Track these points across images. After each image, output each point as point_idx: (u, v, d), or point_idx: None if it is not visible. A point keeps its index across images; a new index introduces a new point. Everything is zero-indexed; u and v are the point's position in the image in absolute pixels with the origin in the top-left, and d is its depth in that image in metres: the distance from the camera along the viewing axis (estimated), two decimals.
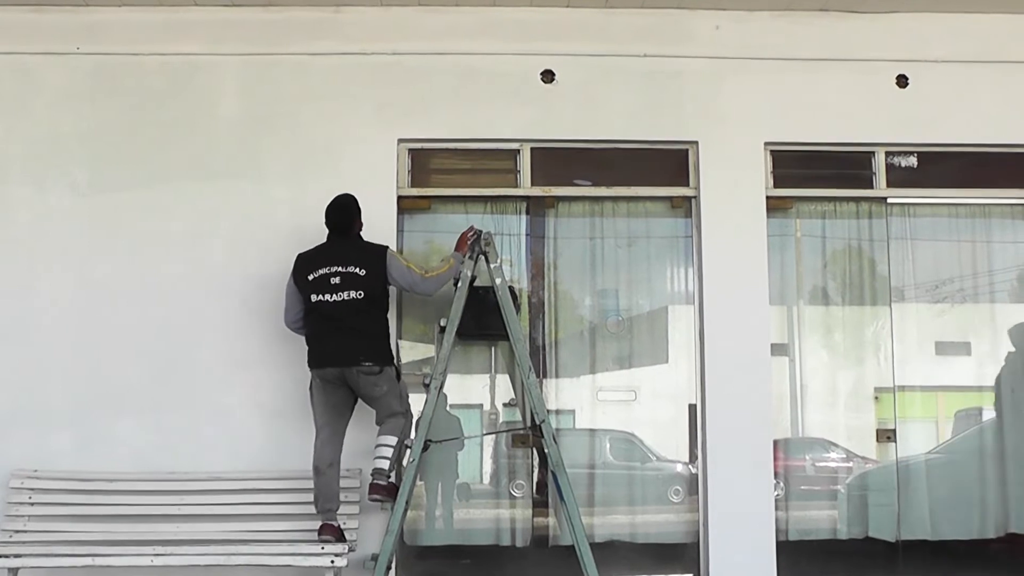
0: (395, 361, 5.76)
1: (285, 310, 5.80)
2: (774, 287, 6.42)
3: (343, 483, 5.77)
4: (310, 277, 5.65)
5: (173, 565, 5.42)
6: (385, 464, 5.55)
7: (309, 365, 5.64)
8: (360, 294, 5.59)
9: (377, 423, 5.68)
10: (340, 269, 5.62)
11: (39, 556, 5.46)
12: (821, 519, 6.50)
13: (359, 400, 5.72)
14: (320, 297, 5.61)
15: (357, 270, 5.61)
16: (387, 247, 5.75)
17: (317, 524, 5.59)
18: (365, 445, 5.77)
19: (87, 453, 5.97)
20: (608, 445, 6.56)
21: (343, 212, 5.79)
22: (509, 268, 6.34)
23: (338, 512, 5.65)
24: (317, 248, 5.76)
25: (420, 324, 6.41)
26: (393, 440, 5.59)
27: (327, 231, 5.77)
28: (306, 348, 5.69)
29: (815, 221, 6.63)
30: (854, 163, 6.60)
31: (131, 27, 6.34)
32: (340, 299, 5.58)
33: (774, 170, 6.49)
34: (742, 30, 6.46)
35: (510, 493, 6.37)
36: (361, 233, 5.83)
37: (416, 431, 5.75)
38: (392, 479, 5.62)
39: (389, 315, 5.95)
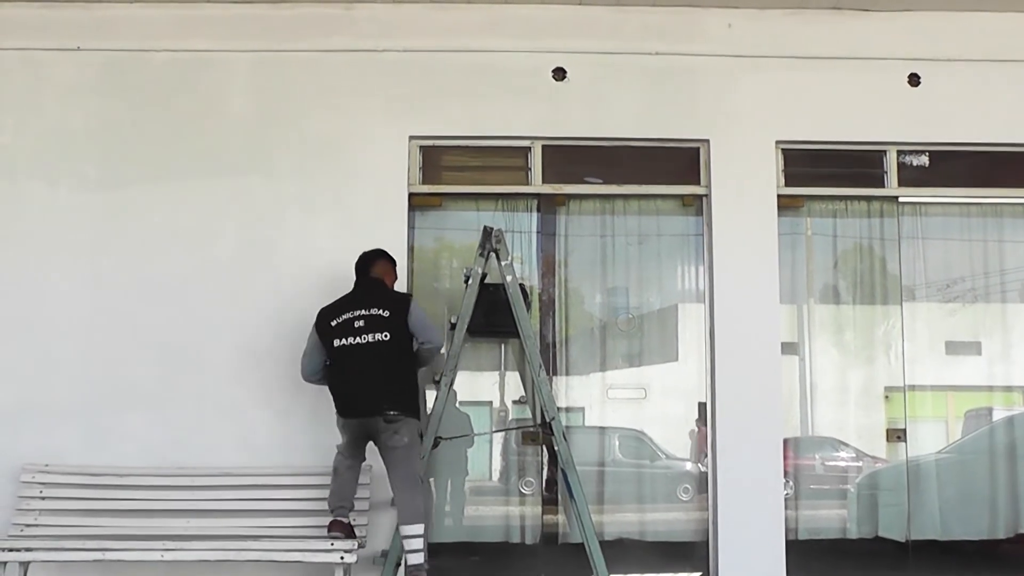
0: (420, 415, 5.49)
1: (303, 361, 5.62)
2: (784, 286, 6.42)
3: None
4: (333, 323, 5.46)
5: (183, 560, 5.42)
6: (420, 559, 5.23)
7: (337, 412, 5.46)
8: (386, 336, 5.36)
9: (392, 488, 5.38)
10: (363, 312, 5.43)
11: (50, 550, 5.46)
12: (831, 518, 6.50)
13: None
14: (343, 341, 5.40)
15: (381, 312, 5.41)
16: (412, 295, 5.68)
17: (327, 520, 5.60)
18: None
19: (97, 448, 5.98)
20: (618, 443, 6.55)
21: (366, 258, 5.68)
22: (520, 265, 6.33)
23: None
24: (341, 297, 5.61)
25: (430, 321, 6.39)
26: (420, 529, 5.26)
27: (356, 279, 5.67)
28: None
29: (826, 220, 6.63)
30: (866, 162, 6.60)
31: (141, 23, 6.34)
32: (365, 341, 5.36)
33: (785, 168, 6.48)
34: (754, 28, 6.45)
35: (520, 490, 6.36)
36: (390, 286, 5.70)
37: (426, 428, 5.75)
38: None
39: None
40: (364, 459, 5.60)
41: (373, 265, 5.68)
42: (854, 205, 6.62)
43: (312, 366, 5.61)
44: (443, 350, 5.73)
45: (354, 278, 5.68)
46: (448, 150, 6.52)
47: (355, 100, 6.33)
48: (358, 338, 5.38)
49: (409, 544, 5.27)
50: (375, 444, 5.44)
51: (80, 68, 6.33)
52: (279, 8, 6.35)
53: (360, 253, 5.72)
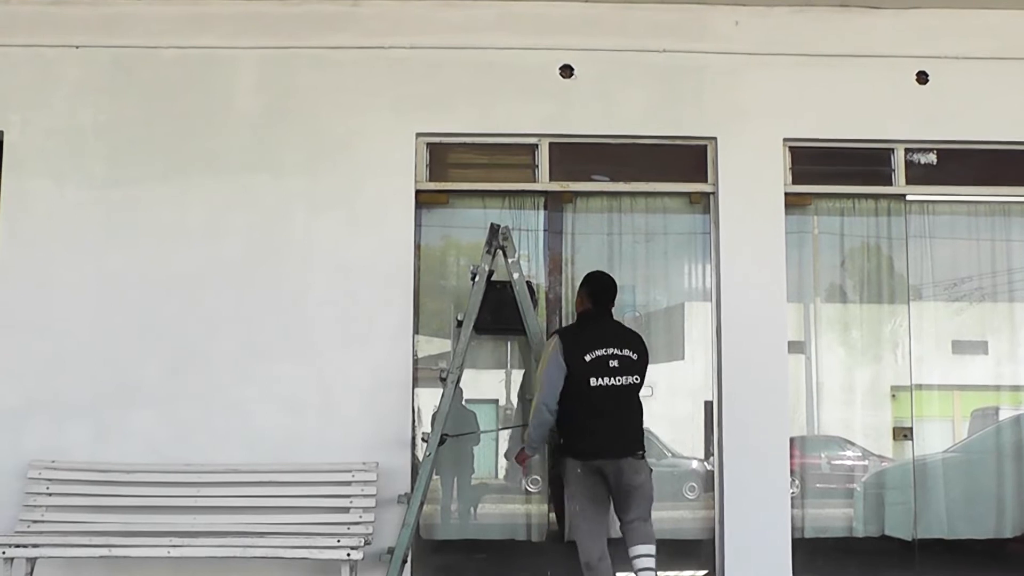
0: None
1: (549, 390, 5.28)
2: (791, 284, 6.41)
3: (361, 476, 5.82)
4: (587, 358, 5.25)
5: (189, 557, 5.44)
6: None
7: (581, 455, 5.30)
8: (636, 379, 5.34)
9: (635, 519, 5.31)
10: (616, 352, 5.30)
11: (56, 546, 5.48)
12: (837, 517, 6.48)
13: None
14: (599, 381, 5.23)
15: (631, 354, 5.33)
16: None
17: (333, 517, 5.61)
18: (385, 436, 5.85)
19: (104, 444, 5.99)
20: None
21: (613, 290, 5.56)
22: (527, 263, 6.33)
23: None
24: (582, 326, 5.47)
25: (437, 318, 6.40)
26: (654, 549, 5.30)
27: (590, 305, 5.52)
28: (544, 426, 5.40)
29: (833, 218, 6.61)
30: (873, 160, 6.58)
31: (149, 20, 6.35)
32: (620, 384, 5.27)
33: (793, 166, 6.47)
34: (762, 25, 6.44)
35: (526, 488, 6.36)
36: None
37: (433, 425, 5.76)
38: None
39: (408, 310, 6.06)
40: (609, 513, 5.39)
41: (614, 299, 5.56)
42: (861, 203, 6.61)
43: (557, 397, 5.31)
44: None
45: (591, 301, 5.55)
46: (455, 147, 6.51)
47: (362, 97, 6.33)
48: (613, 379, 5.25)
49: (651, 562, 5.26)
50: (610, 484, 5.30)
51: (88, 65, 6.33)
52: (286, 5, 6.35)
53: (602, 278, 5.60)
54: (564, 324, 6.35)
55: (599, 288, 5.54)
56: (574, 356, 5.25)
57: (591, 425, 5.26)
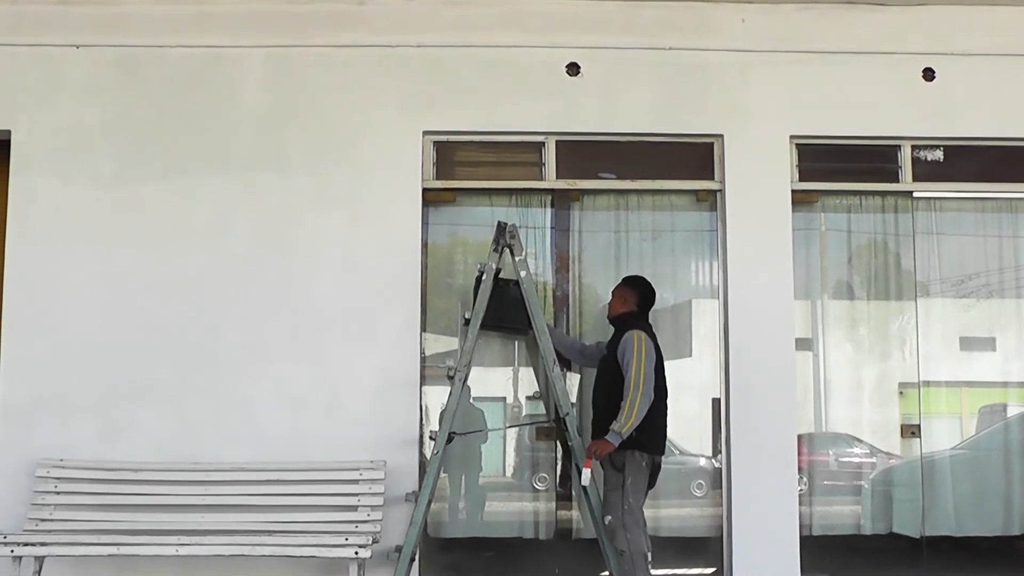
0: None
1: (650, 383, 5.48)
2: (799, 281, 6.40)
3: (368, 475, 5.83)
4: (662, 357, 5.69)
5: (197, 555, 5.45)
6: None
7: (651, 449, 5.54)
8: None
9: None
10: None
11: (65, 545, 5.48)
12: (845, 514, 6.47)
13: None
14: (666, 381, 5.70)
15: None
16: None
17: (341, 515, 5.60)
18: (392, 435, 5.83)
19: (111, 443, 5.99)
20: None
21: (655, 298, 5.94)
22: (534, 261, 6.33)
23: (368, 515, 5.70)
24: (643, 327, 5.68)
25: (444, 316, 6.40)
26: None
27: (637, 309, 5.82)
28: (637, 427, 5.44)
29: (840, 215, 6.60)
30: (880, 157, 6.57)
31: (155, 19, 6.34)
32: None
33: (799, 164, 6.47)
34: (768, 23, 6.43)
35: (533, 486, 6.35)
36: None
37: (440, 423, 5.76)
38: None
39: (415, 308, 6.07)
40: None
41: None
42: (868, 200, 6.60)
43: None
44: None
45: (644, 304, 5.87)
46: (462, 145, 6.50)
47: (368, 96, 6.33)
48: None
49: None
50: (651, 478, 5.66)
51: (94, 64, 6.33)
52: (292, 4, 6.35)
53: (650, 285, 5.90)
54: (567, 323, 6.37)
55: (650, 295, 5.85)
56: (658, 356, 5.59)
57: (661, 421, 5.59)
